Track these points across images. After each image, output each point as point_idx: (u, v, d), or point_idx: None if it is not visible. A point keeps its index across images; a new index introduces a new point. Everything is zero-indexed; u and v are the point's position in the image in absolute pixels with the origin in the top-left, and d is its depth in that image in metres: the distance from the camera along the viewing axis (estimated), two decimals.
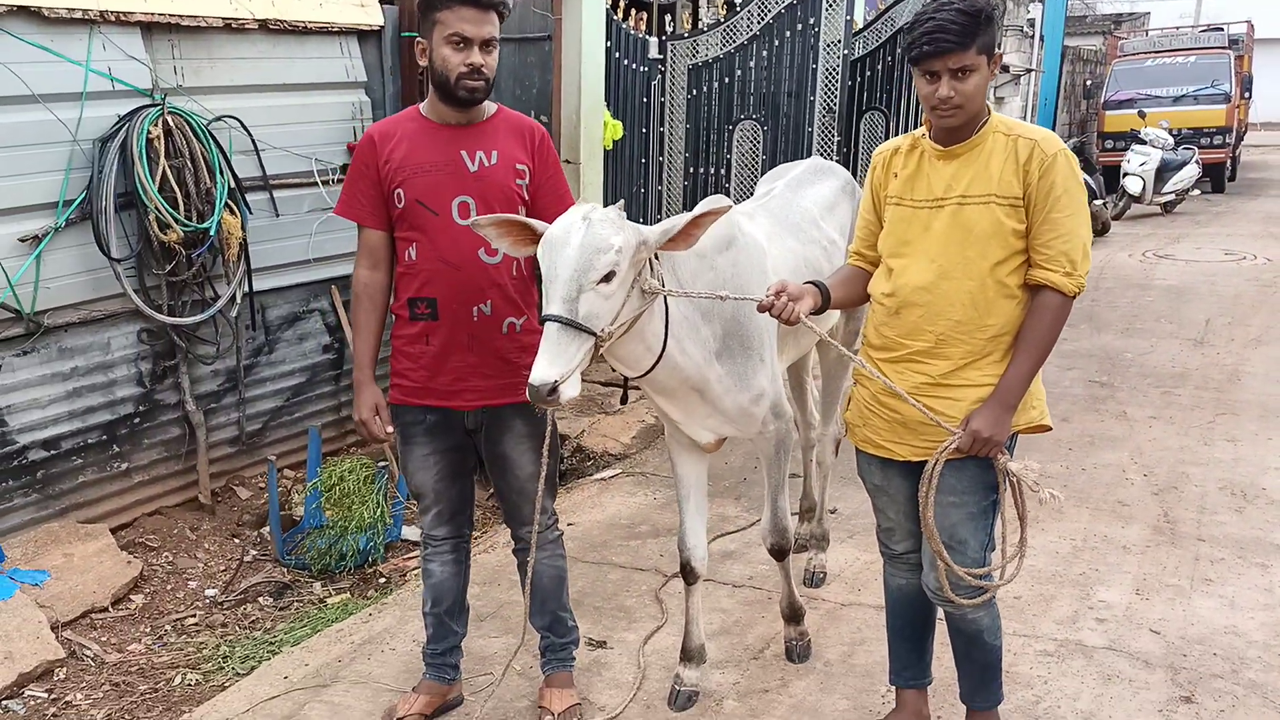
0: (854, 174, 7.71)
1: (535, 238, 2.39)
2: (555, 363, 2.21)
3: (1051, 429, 2.55)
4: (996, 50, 2.32)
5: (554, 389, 2.19)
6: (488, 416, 2.76)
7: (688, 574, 3.06)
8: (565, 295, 2.24)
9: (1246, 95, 18.30)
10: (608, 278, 2.27)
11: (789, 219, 3.33)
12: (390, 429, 2.78)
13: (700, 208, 2.80)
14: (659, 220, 7.13)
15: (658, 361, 2.56)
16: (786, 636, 3.33)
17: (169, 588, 4.02)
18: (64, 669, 3.42)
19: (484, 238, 2.49)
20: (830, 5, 6.81)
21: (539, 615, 2.98)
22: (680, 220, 2.41)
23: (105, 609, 3.79)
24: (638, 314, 2.40)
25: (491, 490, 2.97)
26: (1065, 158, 2.32)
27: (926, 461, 2.44)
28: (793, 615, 3.30)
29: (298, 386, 4.90)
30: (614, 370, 2.61)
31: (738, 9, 7.08)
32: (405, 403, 2.77)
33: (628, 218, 2.43)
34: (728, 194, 7.16)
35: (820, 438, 3.93)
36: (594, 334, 2.27)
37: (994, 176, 2.34)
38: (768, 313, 2.45)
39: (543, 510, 2.83)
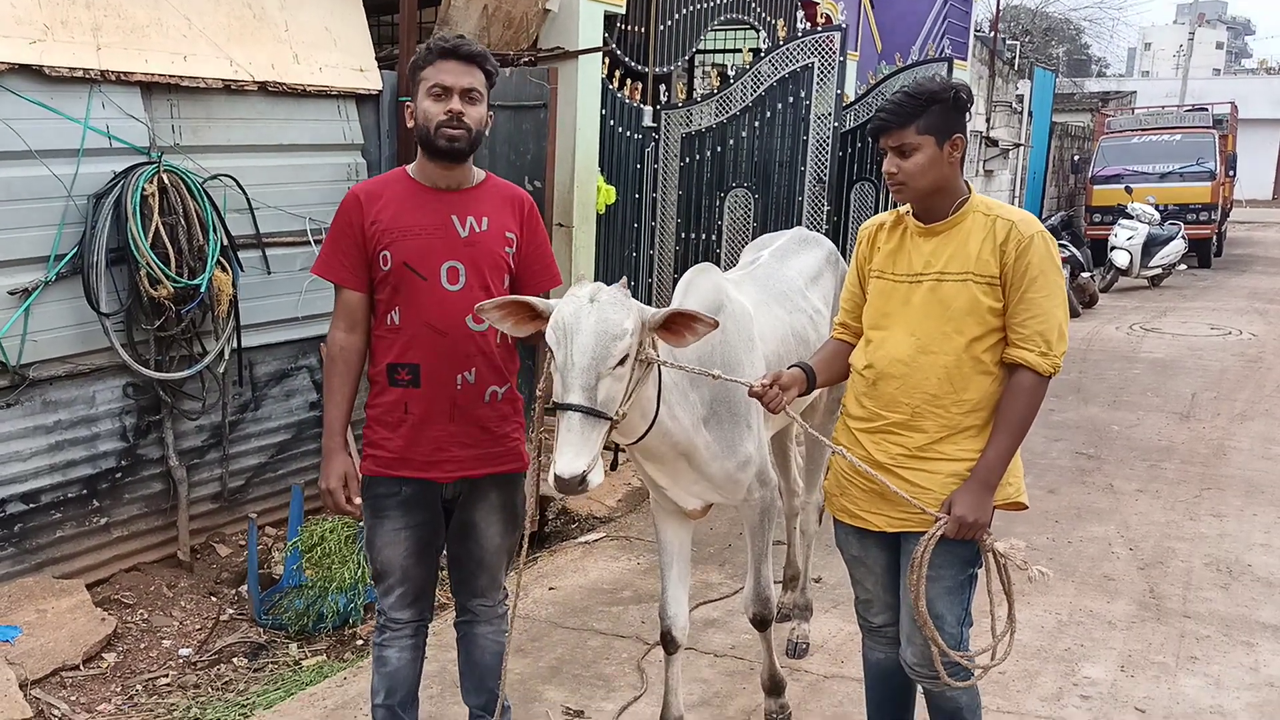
0: (844, 243, 7.81)
1: (535, 316, 2.41)
2: (581, 453, 2.22)
3: (1027, 507, 2.56)
4: (956, 133, 2.37)
5: (583, 479, 2.21)
6: (466, 486, 2.68)
7: (668, 643, 3.03)
8: (584, 384, 2.25)
9: (1231, 173, 18.65)
10: (622, 361, 2.29)
11: (775, 288, 3.36)
12: (358, 500, 2.66)
13: (691, 284, 2.84)
14: (649, 283, 7.21)
15: (650, 428, 2.57)
16: (767, 709, 3.28)
17: (143, 646, 3.95)
18: None
19: (489, 321, 2.45)
20: (821, 79, 6.94)
21: (476, 693, 2.86)
22: (665, 311, 2.42)
23: (76, 667, 3.72)
24: (639, 385, 2.41)
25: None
26: (1042, 239, 2.36)
27: (904, 533, 2.44)
28: (774, 687, 3.26)
29: (282, 444, 4.88)
30: None
31: (731, 81, 7.22)
32: (380, 474, 2.64)
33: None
34: (718, 260, 7.22)
35: (804, 505, 3.91)
36: (611, 419, 2.29)
37: (972, 255, 2.38)
38: (758, 400, 2.48)
39: (497, 586, 2.79)
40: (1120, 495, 5.59)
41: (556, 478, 2.22)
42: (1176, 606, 4.22)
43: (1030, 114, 16.91)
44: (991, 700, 3.31)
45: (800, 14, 8.02)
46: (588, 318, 2.28)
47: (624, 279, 2.49)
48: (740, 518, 3.11)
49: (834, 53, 6.85)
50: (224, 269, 4.31)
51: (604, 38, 6.49)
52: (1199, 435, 6.78)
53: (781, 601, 3.95)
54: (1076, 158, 19.91)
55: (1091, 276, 12.63)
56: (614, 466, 5.63)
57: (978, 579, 2.49)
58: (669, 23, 7.35)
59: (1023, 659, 3.72)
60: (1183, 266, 14.80)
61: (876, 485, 2.46)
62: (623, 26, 7.06)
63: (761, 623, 3.12)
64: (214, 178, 4.37)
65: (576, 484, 2.21)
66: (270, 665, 3.89)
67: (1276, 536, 4.99)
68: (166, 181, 4.12)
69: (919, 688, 2.65)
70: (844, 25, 7.39)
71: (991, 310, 2.37)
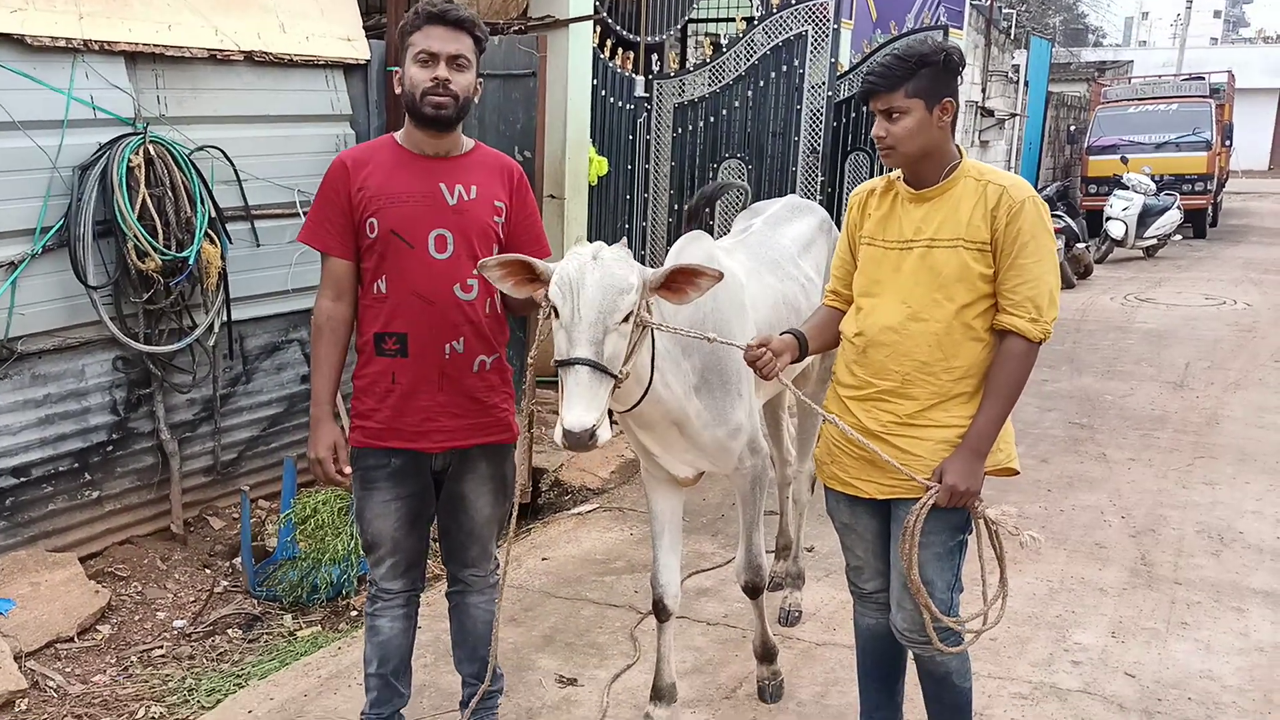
0: (838, 214, 7.78)
1: (534, 278, 2.39)
2: (591, 407, 2.21)
3: (1019, 473, 2.55)
4: (946, 97, 2.34)
5: (593, 434, 2.19)
6: (455, 457, 2.67)
7: (660, 611, 3.04)
8: (592, 338, 2.24)
9: (1227, 143, 18.59)
10: (627, 317, 2.28)
11: (767, 255, 3.35)
12: (347, 470, 2.63)
13: (683, 252, 2.81)
14: (642, 255, 7.18)
15: (644, 395, 2.56)
16: (759, 676, 3.30)
17: (137, 618, 3.96)
18: (26, 700, 3.35)
19: (488, 279, 2.43)
20: (815, 48, 6.90)
21: (469, 662, 2.87)
22: (666, 268, 2.41)
23: (71, 639, 3.73)
24: (636, 349, 2.40)
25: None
26: (1034, 204, 2.34)
27: (895, 499, 2.44)
28: (766, 654, 3.27)
29: (274, 416, 4.86)
30: None
31: (724, 50, 7.16)
32: (369, 445, 2.61)
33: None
34: (711, 231, 7.20)
35: (796, 475, 3.92)
36: (615, 376, 2.28)
37: (963, 221, 2.36)
38: (751, 366, 2.47)
39: (489, 556, 2.80)
40: (1113, 464, 5.60)
41: (566, 433, 2.20)
42: (1168, 573, 4.23)
43: (1026, 84, 16.83)
44: (982, 666, 3.32)
45: None
46: (593, 273, 2.27)
47: (623, 240, 2.48)
48: (732, 487, 3.11)
49: (828, 21, 6.81)
50: (212, 241, 4.27)
51: (595, 6, 6.43)
52: (1192, 404, 6.80)
53: (774, 570, 3.96)
54: (1072, 128, 19.84)
55: (1087, 247, 12.62)
56: None
57: (968, 545, 2.50)
58: None
59: (1014, 625, 3.74)
60: (1178, 237, 14.78)
61: (867, 453, 2.45)
62: None
63: (753, 590, 3.13)
64: (201, 149, 4.32)
65: (586, 438, 2.19)
66: (265, 636, 3.90)
67: (1268, 504, 5.01)
68: (153, 153, 4.07)
69: (909, 653, 2.66)
70: None
71: (982, 276, 2.36)
